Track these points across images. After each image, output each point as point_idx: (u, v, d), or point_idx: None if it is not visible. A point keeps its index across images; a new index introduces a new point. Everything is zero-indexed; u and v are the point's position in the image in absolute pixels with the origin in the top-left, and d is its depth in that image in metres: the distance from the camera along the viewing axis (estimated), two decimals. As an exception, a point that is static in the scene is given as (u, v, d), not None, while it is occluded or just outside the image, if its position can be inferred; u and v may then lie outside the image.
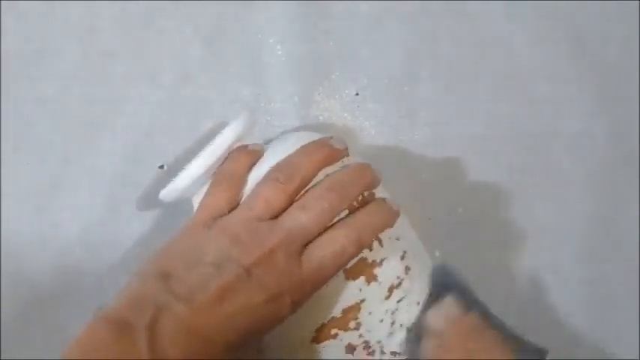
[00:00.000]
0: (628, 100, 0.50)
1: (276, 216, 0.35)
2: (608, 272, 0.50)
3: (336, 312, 0.37)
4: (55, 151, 0.46)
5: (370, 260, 0.37)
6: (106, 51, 0.47)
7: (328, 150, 0.38)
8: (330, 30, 0.48)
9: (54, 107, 0.46)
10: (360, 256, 0.37)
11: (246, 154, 0.38)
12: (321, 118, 0.48)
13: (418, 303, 0.39)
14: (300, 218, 0.35)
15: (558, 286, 0.50)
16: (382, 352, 0.38)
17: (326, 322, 0.37)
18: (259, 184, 0.36)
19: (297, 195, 0.36)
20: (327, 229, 0.35)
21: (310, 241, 0.35)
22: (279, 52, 0.48)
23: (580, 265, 0.50)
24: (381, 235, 0.37)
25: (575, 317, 0.49)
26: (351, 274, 0.37)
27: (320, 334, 0.37)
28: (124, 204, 0.46)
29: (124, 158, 0.46)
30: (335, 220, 0.36)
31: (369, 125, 0.48)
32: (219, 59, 0.48)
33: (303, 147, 0.38)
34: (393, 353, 0.38)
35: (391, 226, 0.37)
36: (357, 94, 0.48)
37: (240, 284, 0.32)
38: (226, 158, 0.39)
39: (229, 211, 0.36)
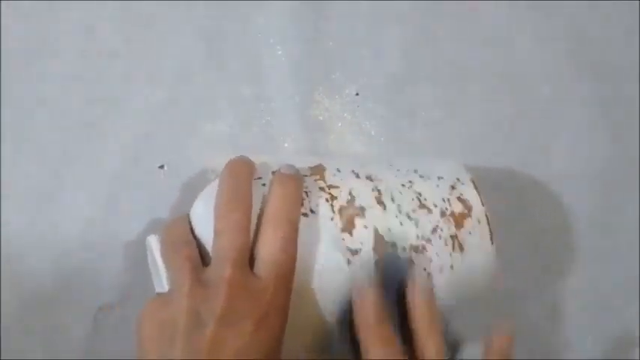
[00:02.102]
0: (628, 100, 0.50)
1: None
2: (608, 272, 0.50)
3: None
4: (55, 151, 0.46)
5: (346, 203, 0.37)
6: (106, 51, 0.47)
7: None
8: (330, 30, 0.48)
9: (54, 107, 0.46)
10: (337, 209, 0.37)
11: (182, 220, 0.38)
12: (321, 118, 0.48)
13: (403, 185, 0.39)
14: (223, 244, 0.35)
15: (558, 285, 0.50)
16: (427, 240, 0.38)
17: None
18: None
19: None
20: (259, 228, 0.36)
21: (252, 253, 0.35)
22: (279, 52, 0.48)
23: (580, 264, 0.50)
24: (327, 180, 0.38)
25: (574, 317, 0.49)
26: (349, 228, 0.37)
27: None
28: (124, 204, 0.46)
29: (124, 158, 0.46)
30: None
31: (369, 125, 0.48)
32: (219, 59, 0.48)
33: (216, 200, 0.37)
34: (434, 230, 0.38)
35: (298, 190, 0.37)
36: (357, 94, 0.48)
37: (223, 333, 0.32)
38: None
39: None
